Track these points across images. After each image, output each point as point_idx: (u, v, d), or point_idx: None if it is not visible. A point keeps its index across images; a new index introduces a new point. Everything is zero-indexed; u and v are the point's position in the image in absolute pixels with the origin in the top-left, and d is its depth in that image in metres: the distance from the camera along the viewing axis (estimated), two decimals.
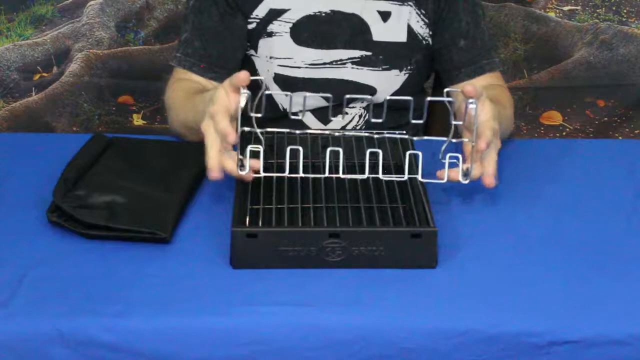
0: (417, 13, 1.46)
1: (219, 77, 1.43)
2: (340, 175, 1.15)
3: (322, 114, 1.46)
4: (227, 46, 1.41)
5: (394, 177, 1.20)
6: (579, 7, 2.21)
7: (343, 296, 1.05)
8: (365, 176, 1.16)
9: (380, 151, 1.16)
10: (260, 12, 1.45)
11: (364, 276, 1.09)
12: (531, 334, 1.02)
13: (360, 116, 1.50)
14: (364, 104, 1.49)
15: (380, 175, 1.17)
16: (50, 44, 2.20)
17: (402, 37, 1.46)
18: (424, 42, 1.48)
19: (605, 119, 2.27)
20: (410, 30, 1.46)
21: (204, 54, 1.44)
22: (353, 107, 1.49)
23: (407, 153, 1.18)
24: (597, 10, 2.21)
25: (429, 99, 1.18)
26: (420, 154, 1.18)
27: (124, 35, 2.21)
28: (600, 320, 1.03)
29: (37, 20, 2.19)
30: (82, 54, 2.19)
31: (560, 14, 2.22)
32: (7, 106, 2.21)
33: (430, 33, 1.48)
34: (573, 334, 1.02)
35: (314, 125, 1.49)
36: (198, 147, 1.36)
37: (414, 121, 1.18)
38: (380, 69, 1.46)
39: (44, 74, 2.22)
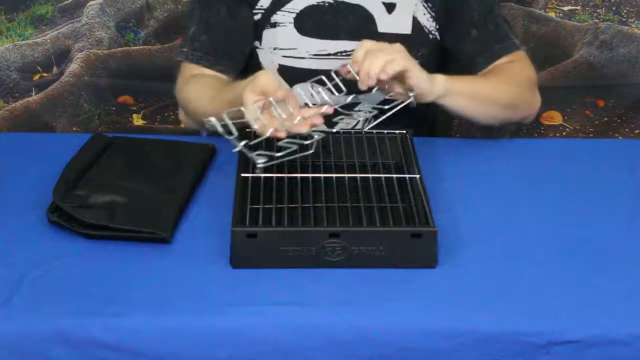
0: (424, 6, 1.46)
1: (227, 69, 1.43)
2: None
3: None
4: (234, 39, 1.41)
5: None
6: (579, 7, 2.21)
7: (343, 296, 1.05)
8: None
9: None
10: (264, 2, 1.45)
11: (364, 276, 1.09)
12: (531, 334, 1.02)
13: (366, 120, 1.49)
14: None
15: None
16: (50, 44, 2.20)
17: (407, 30, 1.46)
18: (430, 35, 1.47)
19: (605, 119, 2.26)
20: (415, 22, 1.46)
21: (210, 47, 1.44)
22: (359, 111, 1.49)
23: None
24: (597, 10, 2.21)
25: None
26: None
27: (124, 35, 2.20)
28: (600, 320, 1.03)
29: (37, 20, 2.18)
30: (82, 54, 2.18)
31: (560, 14, 2.21)
32: (7, 106, 2.21)
33: (437, 27, 1.47)
34: (573, 334, 1.02)
35: None
36: (198, 147, 1.36)
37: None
38: None
39: (44, 74, 2.21)
